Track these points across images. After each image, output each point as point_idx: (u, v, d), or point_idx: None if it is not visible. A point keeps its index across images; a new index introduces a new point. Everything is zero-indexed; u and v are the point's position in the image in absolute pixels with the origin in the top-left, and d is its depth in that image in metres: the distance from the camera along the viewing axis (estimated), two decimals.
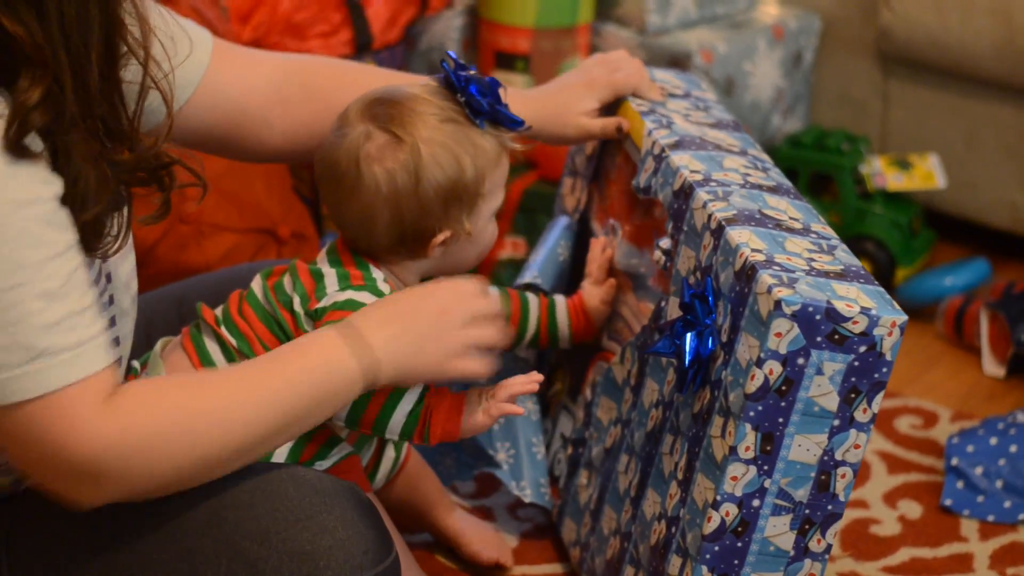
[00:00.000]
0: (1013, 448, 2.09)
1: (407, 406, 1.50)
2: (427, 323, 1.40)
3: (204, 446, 1.29)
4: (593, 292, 1.75)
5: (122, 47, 1.27)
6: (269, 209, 2.26)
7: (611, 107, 1.75)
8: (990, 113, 2.64)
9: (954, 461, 2.09)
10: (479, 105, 1.46)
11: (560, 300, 1.76)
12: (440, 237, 1.50)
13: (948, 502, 2.05)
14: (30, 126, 1.20)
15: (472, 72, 1.49)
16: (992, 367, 2.39)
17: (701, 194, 1.51)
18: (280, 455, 1.53)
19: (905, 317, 1.40)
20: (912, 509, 2.05)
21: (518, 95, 1.71)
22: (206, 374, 1.44)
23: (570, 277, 1.87)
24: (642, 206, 1.69)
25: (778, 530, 1.45)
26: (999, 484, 2.05)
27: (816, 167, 2.69)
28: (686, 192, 1.53)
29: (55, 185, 1.23)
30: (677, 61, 2.59)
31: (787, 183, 1.60)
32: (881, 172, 2.65)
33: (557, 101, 1.72)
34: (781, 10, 2.84)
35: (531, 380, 1.49)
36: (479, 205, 1.49)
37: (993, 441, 2.11)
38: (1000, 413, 2.21)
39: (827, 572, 1.85)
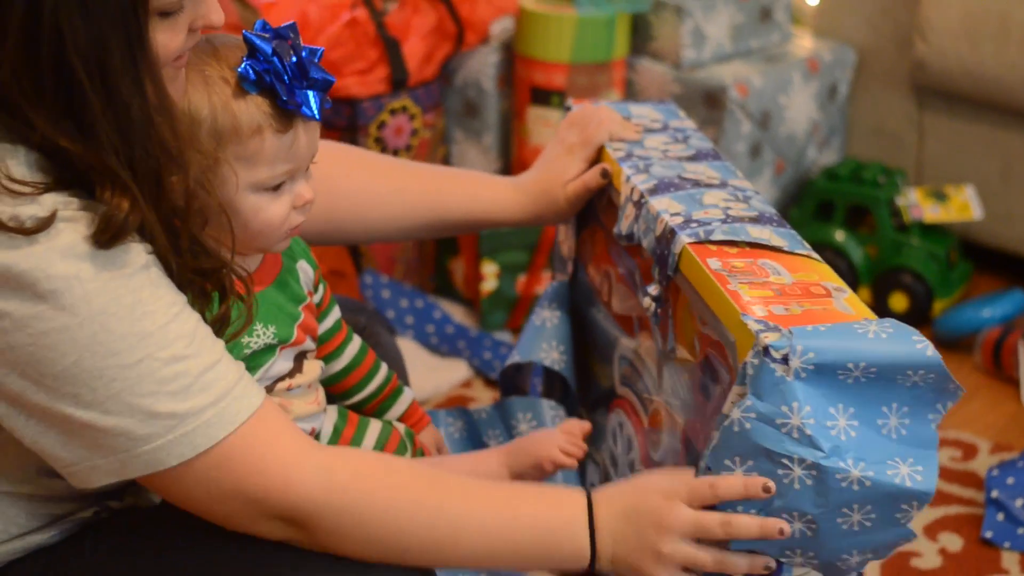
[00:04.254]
0: None
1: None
2: (648, 534, 1.36)
3: (422, 535, 1.29)
4: (427, 435, 1.73)
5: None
6: None
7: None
8: None
9: (994, 493, 2.08)
10: (248, 73, 1.39)
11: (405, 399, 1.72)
12: (173, 177, 1.33)
13: (989, 534, 2.04)
14: (126, 232, 1.20)
15: (289, 42, 1.37)
16: None
17: (683, 237, 1.49)
18: None
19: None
20: (953, 542, 2.04)
21: (511, 187, 1.73)
22: (441, 473, 1.41)
23: (571, 334, 1.86)
24: (631, 249, 1.67)
25: None
26: None
27: (852, 199, 2.69)
28: (668, 237, 1.52)
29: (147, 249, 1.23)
30: (712, 95, 2.60)
31: (769, 210, 1.57)
32: (917, 204, 2.66)
33: (544, 182, 1.73)
34: (816, 43, 2.84)
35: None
36: (218, 168, 1.36)
37: None
38: None
39: None
